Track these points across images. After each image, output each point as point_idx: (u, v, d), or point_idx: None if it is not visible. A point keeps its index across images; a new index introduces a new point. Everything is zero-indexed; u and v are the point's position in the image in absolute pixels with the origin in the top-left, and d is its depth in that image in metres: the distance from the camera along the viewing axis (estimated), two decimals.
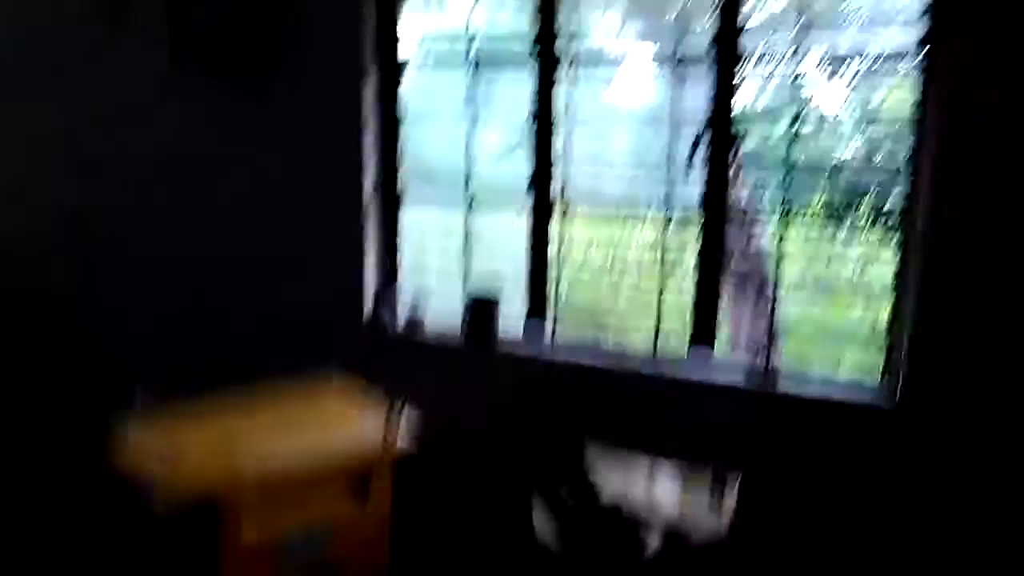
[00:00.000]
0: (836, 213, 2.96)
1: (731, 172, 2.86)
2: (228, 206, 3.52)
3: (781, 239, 2.77)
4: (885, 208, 2.80)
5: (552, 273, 3.12)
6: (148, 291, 3.73)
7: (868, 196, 2.87)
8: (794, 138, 2.70)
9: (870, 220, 2.89)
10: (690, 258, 2.96)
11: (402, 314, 3.34)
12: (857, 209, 2.97)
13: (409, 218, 3.36)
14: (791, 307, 2.97)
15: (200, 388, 2.66)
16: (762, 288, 5.66)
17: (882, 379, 2.70)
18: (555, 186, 3.09)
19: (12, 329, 3.91)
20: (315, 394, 2.71)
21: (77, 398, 3.62)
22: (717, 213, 2.89)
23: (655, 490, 2.19)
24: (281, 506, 2.21)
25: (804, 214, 2.91)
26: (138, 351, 3.74)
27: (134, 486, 2.11)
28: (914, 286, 2.53)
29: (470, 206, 3.20)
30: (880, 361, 2.71)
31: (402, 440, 2.44)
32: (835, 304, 2.90)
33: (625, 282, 3.15)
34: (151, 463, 2.14)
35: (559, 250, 3.07)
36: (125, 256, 3.77)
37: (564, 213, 3.06)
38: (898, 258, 2.67)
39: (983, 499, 2.48)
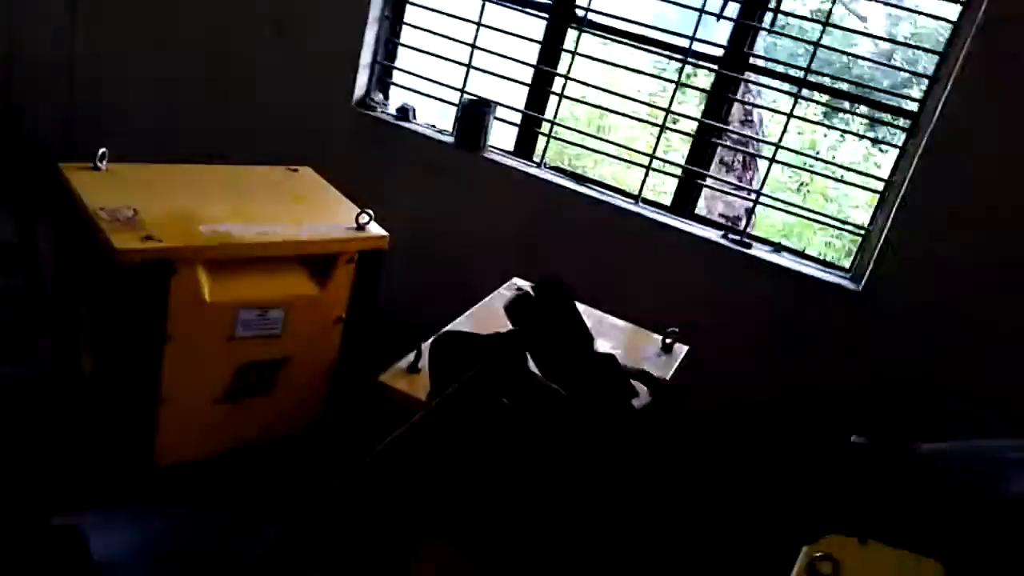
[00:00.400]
0: (847, 100, 2.88)
1: (752, 33, 2.72)
2: None
3: (790, 114, 2.68)
4: (893, 106, 2.74)
5: (555, 90, 3.00)
6: (144, 59, 3.52)
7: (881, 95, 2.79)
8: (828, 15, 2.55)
9: (875, 116, 2.84)
10: (688, 122, 2.87)
11: (395, 102, 3.22)
12: (866, 103, 2.89)
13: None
14: (778, 183, 2.94)
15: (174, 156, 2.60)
16: (752, 159, 5.62)
17: (853, 263, 2.74)
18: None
19: None
20: (289, 179, 2.66)
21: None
22: (734, 66, 2.77)
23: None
24: (238, 277, 2.22)
25: (815, 93, 2.82)
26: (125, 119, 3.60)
27: (94, 235, 2.09)
28: (905, 185, 2.54)
29: None
30: (854, 248, 2.73)
31: (374, 233, 2.44)
32: (821, 187, 2.88)
33: (620, 127, 3.06)
34: (113, 215, 2.12)
35: (569, 66, 2.93)
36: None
37: (580, 31, 2.89)
38: (897, 155, 2.63)
39: (919, 382, 2.61)
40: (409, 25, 3.17)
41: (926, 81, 2.60)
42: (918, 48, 2.85)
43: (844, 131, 3.16)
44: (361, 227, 2.43)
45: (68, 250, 2.41)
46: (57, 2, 3.52)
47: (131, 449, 2.25)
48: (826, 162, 2.89)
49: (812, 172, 3.15)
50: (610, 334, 2.20)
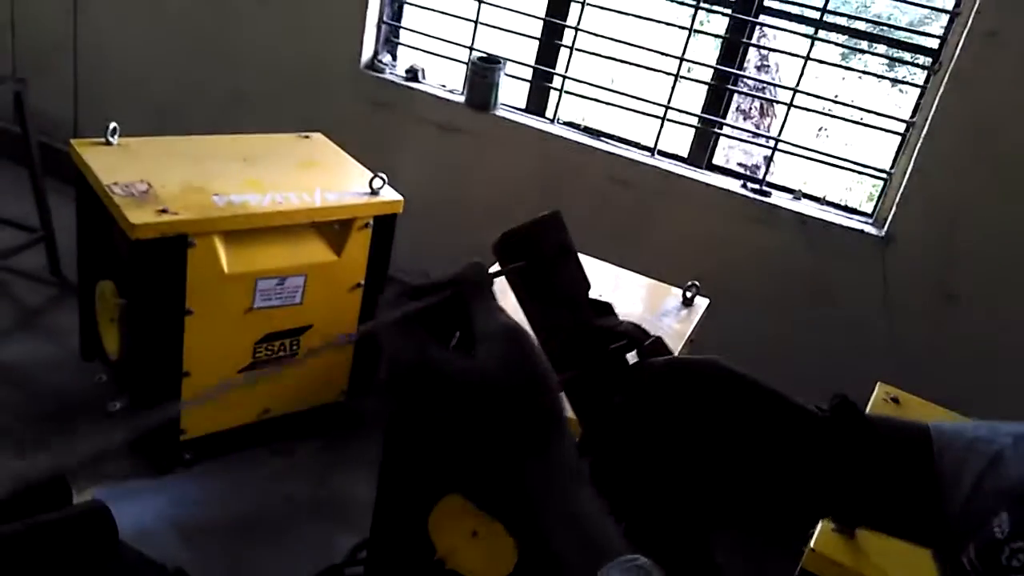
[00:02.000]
0: (866, 40, 2.81)
1: None
2: None
3: (807, 57, 2.62)
4: (913, 43, 2.67)
5: (566, 43, 2.94)
6: (145, 29, 3.49)
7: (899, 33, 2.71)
8: None
9: (895, 56, 2.76)
10: (703, 69, 2.80)
11: (403, 64, 3.18)
12: (885, 42, 2.82)
13: None
14: (796, 128, 2.89)
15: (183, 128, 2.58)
16: (770, 105, 5.51)
17: (875, 208, 2.69)
18: None
19: None
20: (301, 145, 2.65)
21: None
22: (748, 10, 2.70)
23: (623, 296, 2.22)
24: (255, 247, 2.22)
25: (832, 34, 2.75)
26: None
27: (109, 210, 2.10)
28: (926, 125, 2.48)
29: None
30: (875, 192, 2.68)
31: (388, 198, 2.42)
32: (841, 130, 2.82)
33: (634, 78, 2.99)
34: (127, 190, 2.12)
35: (579, 19, 2.87)
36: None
37: None
38: (918, 94, 2.57)
39: (942, 333, 2.58)
40: None
41: (946, 17, 2.52)
42: None
43: (863, 72, 3.07)
44: (375, 192, 2.41)
45: (86, 226, 2.41)
46: None
47: (157, 423, 2.27)
48: (845, 105, 2.82)
49: (831, 116, 3.07)
50: (628, 289, 2.18)
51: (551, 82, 3.02)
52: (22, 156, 2.94)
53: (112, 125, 2.32)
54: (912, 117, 2.59)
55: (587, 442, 0.67)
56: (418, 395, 0.58)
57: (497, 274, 0.65)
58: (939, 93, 2.44)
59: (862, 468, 0.60)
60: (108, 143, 2.31)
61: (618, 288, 2.15)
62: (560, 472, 0.56)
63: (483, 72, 2.96)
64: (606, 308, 0.72)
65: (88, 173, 2.20)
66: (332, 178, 2.45)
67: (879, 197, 2.70)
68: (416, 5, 3.14)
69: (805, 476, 0.60)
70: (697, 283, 2.15)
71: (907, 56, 2.71)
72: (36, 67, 3.58)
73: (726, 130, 2.98)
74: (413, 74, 3.12)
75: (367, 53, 3.13)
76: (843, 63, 3.36)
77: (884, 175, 2.68)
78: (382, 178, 2.43)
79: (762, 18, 2.80)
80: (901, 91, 5.48)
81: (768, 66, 6.00)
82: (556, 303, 0.70)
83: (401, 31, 3.19)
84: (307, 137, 2.70)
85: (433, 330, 0.60)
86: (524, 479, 0.56)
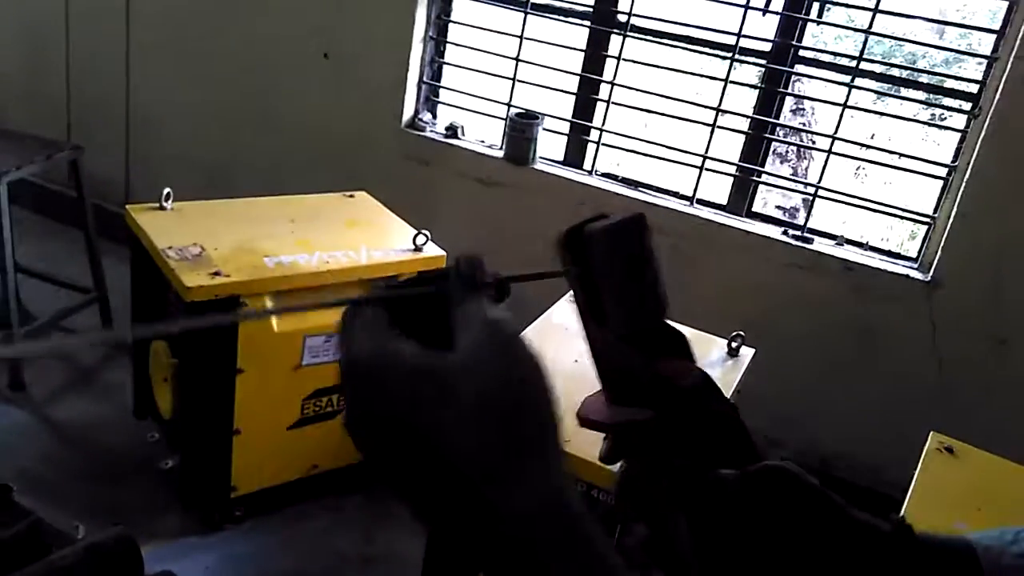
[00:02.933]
0: (902, 86, 2.83)
1: (800, 25, 2.68)
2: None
3: (845, 104, 2.63)
4: (950, 88, 2.67)
5: (601, 97, 2.99)
6: (195, 96, 3.62)
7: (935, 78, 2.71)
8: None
9: (931, 99, 2.77)
10: (740, 117, 2.83)
11: (443, 121, 3.25)
12: (922, 88, 2.83)
13: (459, 14, 3.18)
14: (835, 168, 2.88)
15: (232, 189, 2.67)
16: (806, 148, 5.51)
17: (920, 252, 2.68)
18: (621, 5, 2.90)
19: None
20: (346, 205, 2.71)
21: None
22: (783, 60, 2.73)
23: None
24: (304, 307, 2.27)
25: (869, 78, 2.77)
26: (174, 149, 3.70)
27: (164, 274, 2.16)
28: (969, 169, 2.47)
29: (527, 7, 3.01)
30: (920, 234, 2.66)
31: (431, 253, 2.47)
32: (881, 170, 2.82)
33: (671, 129, 3.02)
34: (181, 253, 2.19)
35: (615, 74, 2.92)
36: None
37: (624, 36, 2.88)
38: (959, 138, 2.57)
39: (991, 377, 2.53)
40: (453, 44, 3.20)
41: (984, 62, 2.53)
42: (972, 28, 2.77)
43: (901, 118, 3.08)
44: (418, 248, 2.46)
45: (140, 287, 2.49)
46: (111, 43, 3.64)
47: (209, 480, 2.31)
48: (885, 151, 2.82)
49: (870, 162, 3.07)
50: None
51: (588, 135, 3.07)
52: (77, 219, 3.04)
53: (166, 191, 2.40)
54: (954, 161, 2.58)
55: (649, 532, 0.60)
56: (369, 397, 0.46)
57: (520, 278, 0.55)
58: (980, 137, 2.44)
59: None
60: (162, 208, 2.39)
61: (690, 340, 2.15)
62: (557, 509, 0.45)
63: (521, 127, 3.02)
64: (678, 343, 0.61)
65: (143, 237, 2.28)
66: (377, 236, 2.50)
67: (924, 241, 2.68)
68: (455, 65, 3.22)
69: None
70: (742, 333, 2.15)
71: (946, 101, 2.71)
72: (90, 133, 3.72)
73: (765, 177, 2.99)
74: (453, 131, 3.18)
75: (408, 112, 3.21)
76: (880, 108, 3.36)
77: (928, 220, 2.67)
78: (425, 234, 2.48)
79: (797, 67, 2.82)
80: (941, 130, 5.46)
81: (804, 109, 6.01)
82: (620, 327, 0.58)
83: (441, 90, 3.27)
84: (351, 196, 2.77)
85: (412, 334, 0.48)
86: (503, 516, 0.45)
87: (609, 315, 0.58)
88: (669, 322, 0.61)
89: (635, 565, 0.59)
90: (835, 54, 2.69)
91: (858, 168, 6.36)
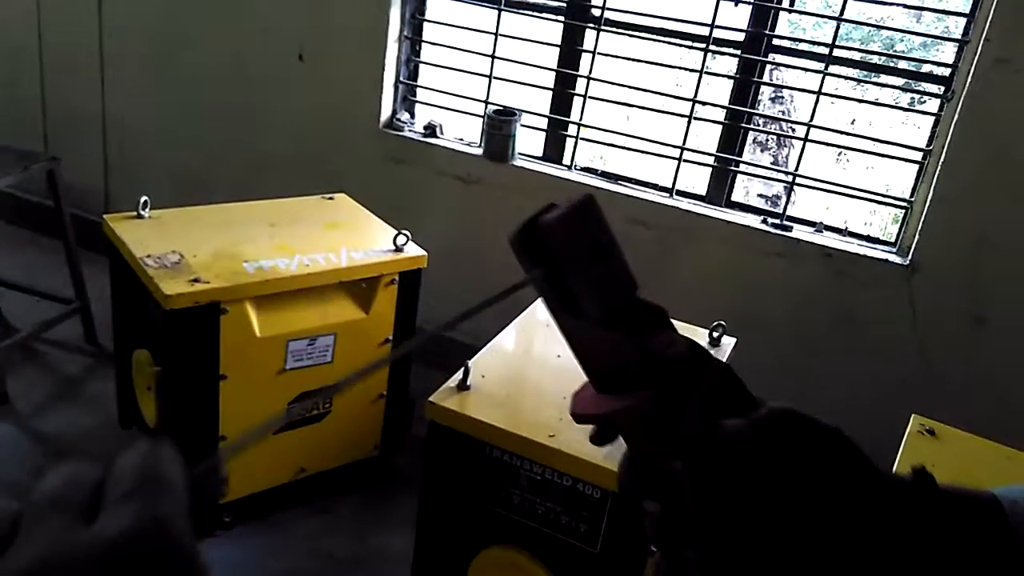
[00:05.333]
0: (876, 72, 2.85)
1: (773, 14, 2.69)
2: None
3: (819, 92, 2.65)
4: (924, 72, 2.69)
5: (579, 91, 2.99)
6: (170, 102, 3.60)
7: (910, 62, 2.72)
8: None
9: (906, 83, 2.79)
10: (716, 109, 2.83)
11: (421, 120, 3.25)
12: (896, 73, 2.84)
13: (434, 13, 3.17)
14: (816, 156, 2.90)
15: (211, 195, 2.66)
16: (784, 137, 5.53)
17: (898, 236, 2.70)
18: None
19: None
20: (325, 207, 2.71)
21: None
22: (757, 50, 2.74)
23: None
24: (285, 309, 2.26)
25: (843, 65, 2.78)
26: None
27: (143, 282, 2.15)
28: (944, 152, 2.49)
29: (501, 3, 3.01)
30: (900, 215, 2.68)
31: (412, 253, 2.47)
32: (862, 156, 2.83)
33: (648, 121, 3.03)
34: (160, 261, 2.18)
35: (591, 68, 2.93)
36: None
37: (598, 30, 2.88)
38: (933, 122, 2.60)
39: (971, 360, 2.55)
40: (429, 43, 3.20)
41: (956, 45, 2.55)
42: (942, 12, 2.79)
43: (876, 103, 3.09)
44: (399, 248, 2.46)
45: (120, 297, 2.48)
46: (85, 52, 3.62)
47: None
48: (862, 137, 2.84)
49: (847, 148, 3.09)
50: None
51: (566, 130, 3.07)
52: (56, 230, 3.03)
53: (143, 199, 2.39)
54: (929, 145, 2.60)
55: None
56: None
57: (486, 304, 0.54)
58: (954, 120, 2.46)
59: (943, 539, 0.58)
60: (140, 216, 2.38)
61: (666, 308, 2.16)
62: None
63: (499, 124, 3.02)
64: (657, 316, 0.59)
65: (121, 247, 2.27)
66: (357, 237, 2.50)
67: (901, 225, 2.70)
68: (431, 64, 3.21)
69: (885, 546, 0.58)
70: (723, 323, 2.16)
71: (923, 85, 2.72)
72: (67, 143, 3.70)
73: (743, 167, 3.00)
74: (431, 130, 3.18)
75: (386, 112, 3.21)
76: (856, 96, 3.38)
77: (905, 204, 2.68)
78: (406, 235, 2.47)
79: (772, 56, 2.83)
80: (920, 115, 5.48)
81: (782, 97, 6.04)
82: (596, 312, 0.56)
83: (418, 89, 3.26)
84: (331, 199, 2.76)
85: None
86: None
87: (582, 303, 0.56)
88: (642, 298, 0.59)
89: (660, 545, 0.58)
90: (810, 42, 2.70)
91: (839, 154, 6.40)
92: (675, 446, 0.55)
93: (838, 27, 2.63)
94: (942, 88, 2.57)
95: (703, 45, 2.76)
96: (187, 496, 0.37)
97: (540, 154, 3.14)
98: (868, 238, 2.77)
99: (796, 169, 2.80)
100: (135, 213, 2.39)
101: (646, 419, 0.56)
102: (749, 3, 2.70)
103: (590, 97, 2.95)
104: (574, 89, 3.03)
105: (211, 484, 0.42)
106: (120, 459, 0.37)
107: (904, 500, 0.56)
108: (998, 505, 0.58)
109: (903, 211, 2.71)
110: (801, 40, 2.72)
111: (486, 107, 3.09)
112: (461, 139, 3.20)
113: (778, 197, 4.89)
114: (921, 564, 0.57)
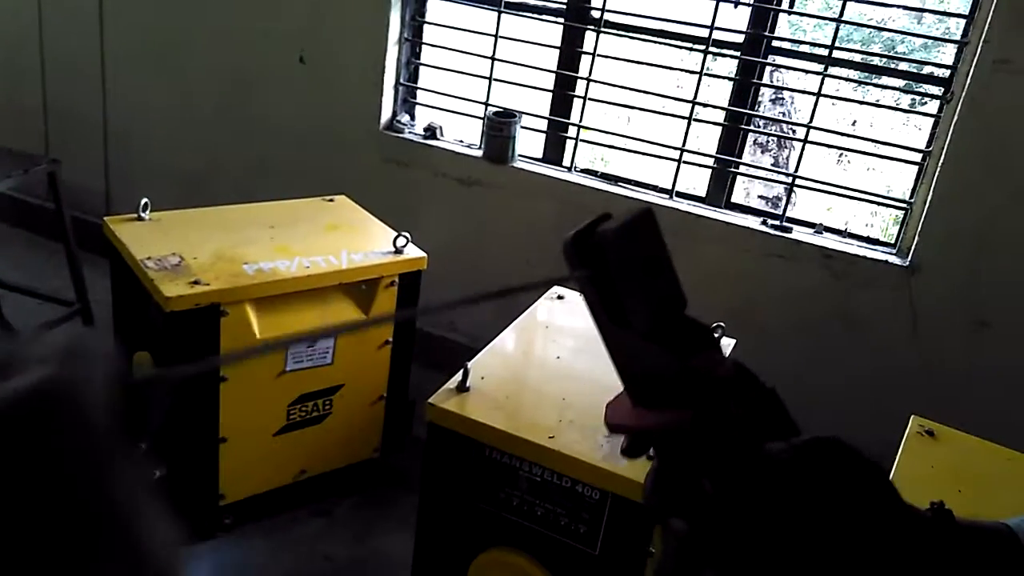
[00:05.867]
0: (876, 73, 2.85)
1: (772, 16, 2.70)
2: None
3: (819, 93, 2.65)
4: (924, 73, 2.69)
5: (579, 92, 3.00)
6: (171, 104, 3.61)
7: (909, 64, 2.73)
8: None
9: (906, 85, 2.79)
10: (716, 110, 2.84)
11: (421, 122, 3.25)
12: (895, 74, 2.84)
13: (434, 15, 3.18)
14: (816, 157, 2.90)
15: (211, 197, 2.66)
16: (785, 139, 5.54)
17: (898, 237, 2.70)
18: (595, 1, 2.91)
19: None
20: (325, 209, 2.71)
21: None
22: (757, 51, 2.74)
23: None
24: (285, 311, 2.27)
25: (843, 67, 2.78)
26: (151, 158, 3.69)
27: (144, 284, 2.16)
28: (943, 153, 2.49)
29: (501, 5, 3.01)
30: (898, 220, 2.68)
31: (412, 255, 2.47)
32: (862, 157, 2.84)
33: (648, 123, 3.03)
34: (160, 263, 2.18)
35: (590, 69, 2.93)
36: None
37: (598, 32, 2.89)
38: (932, 123, 2.60)
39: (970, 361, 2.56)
40: (429, 45, 3.20)
41: (953, 46, 2.55)
42: (941, 13, 2.79)
43: (876, 105, 3.10)
44: (399, 250, 2.46)
45: (121, 299, 2.48)
46: (86, 55, 3.63)
47: (197, 489, 2.31)
48: (861, 139, 2.84)
49: (848, 150, 3.09)
50: None
51: (566, 132, 3.07)
52: (57, 232, 3.03)
53: (143, 201, 2.39)
54: (928, 146, 2.60)
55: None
56: None
57: (526, 287, 0.50)
58: (953, 121, 2.46)
59: (964, 570, 0.60)
60: (140, 218, 2.39)
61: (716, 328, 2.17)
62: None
63: (499, 126, 3.02)
64: (704, 335, 0.59)
65: (122, 249, 2.27)
66: (357, 239, 2.51)
67: (901, 226, 2.70)
68: (431, 66, 3.22)
69: (897, 571, 0.59)
70: (723, 324, 2.16)
71: (923, 86, 2.73)
72: (68, 146, 3.71)
73: (743, 168, 3.00)
74: (431, 132, 3.18)
75: (386, 115, 3.21)
76: (856, 97, 3.38)
77: (904, 205, 2.68)
78: (405, 236, 2.48)
79: (771, 58, 2.83)
80: (920, 116, 5.49)
81: (783, 98, 6.04)
82: (644, 325, 0.55)
83: (418, 91, 3.27)
84: (331, 200, 2.77)
85: None
86: None
87: (632, 315, 0.55)
88: (690, 316, 0.59)
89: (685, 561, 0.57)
90: (810, 44, 2.70)
91: (840, 156, 6.40)
92: (713, 465, 0.56)
93: (838, 28, 2.63)
94: (942, 89, 2.57)
95: (703, 47, 2.77)
96: (108, 376, 0.37)
97: (540, 156, 3.14)
98: (868, 239, 2.77)
99: (796, 170, 2.80)
100: (135, 215, 2.40)
101: (686, 436, 0.55)
102: (749, 4, 2.70)
103: (590, 99, 2.96)
104: (574, 91, 3.03)
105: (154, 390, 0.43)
106: (47, 336, 0.37)
107: (927, 534, 0.57)
108: (1014, 536, 0.60)
109: (903, 212, 2.71)
110: (801, 42, 2.72)
111: (486, 109, 3.10)
112: (461, 141, 3.20)
113: (778, 199, 4.89)
114: None
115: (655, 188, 2.95)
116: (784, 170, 4.71)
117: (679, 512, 0.57)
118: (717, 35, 2.75)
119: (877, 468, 0.57)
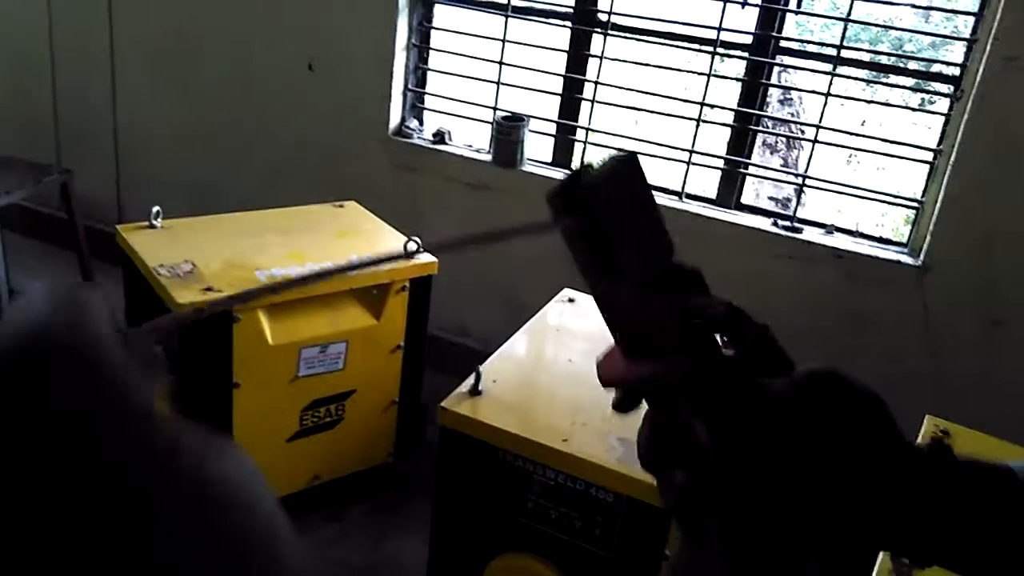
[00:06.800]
0: (885, 72, 2.84)
1: (780, 16, 2.70)
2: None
3: (827, 93, 2.64)
4: (934, 72, 2.68)
5: (587, 95, 3.00)
6: (181, 112, 3.63)
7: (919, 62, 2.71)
8: None
9: (916, 84, 2.78)
10: (725, 112, 2.83)
11: (430, 128, 3.26)
12: (905, 73, 2.84)
13: (441, 20, 3.19)
14: (826, 158, 2.89)
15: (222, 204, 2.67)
16: (794, 139, 5.53)
17: (910, 237, 2.69)
18: (602, 4, 2.91)
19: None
20: (336, 215, 2.72)
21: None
22: (765, 52, 2.74)
23: None
24: (297, 317, 2.28)
25: (852, 66, 2.78)
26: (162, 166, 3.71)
27: (156, 292, 2.17)
28: (954, 152, 2.48)
29: (508, 10, 3.02)
30: (909, 221, 2.67)
31: (422, 260, 2.47)
32: (873, 157, 2.83)
33: (656, 125, 3.03)
34: (172, 271, 2.20)
35: (598, 72, 2.93)
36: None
37: (605, 35, 2.89)
38: (943, 122, 2.59)
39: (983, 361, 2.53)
40: (436, 50, 3.21)
41: (965, 44, 2.54)
42: (950, 11, 2.79)
43: (885, 104, 3.09)
44: (410, 255, 2.46)
45: (134, 307, 2.49)
46: (96, 65, 3.65)
47: None
48: (871, 138, 2.83)
49: (858, 150, 3.09)
50: None
51: (575, 135, 3.08)
52: (70, 241, 3.05)
53: (155, 209, 2.41)
54: (939, 145, 2.59)
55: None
56: None
57: (507, 233, 0.53)
58: (964, 120, 2.45)
59: (955, 505, 0.59)
60: (152, 226, 2.40)
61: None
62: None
63: (508, 130, 3.03)
64: (694, 279, 0.58)
65: (135, 257, 2.28)
66: (367, 244, 2.51)
67: (913, 226, 2.69)
68: (439, 71, 3.23)
69: (895, 506, 0.58)
70: None
71: (932, 85, 2.72)
72: (79, 155, 3.73)
73: (752, 169, 3.00)
74: (440, 137, 3.19)
75: (395, 120, 3.22)
76: (865, 96, 3.37)
77: (916, 204, 2.67)
78: (416, 241, 2.48)
79: (779, 58, 2.83)
80: (930, 115, 5.47)
81: (791, 99, 6.03)
82: (638, 272, 0.54)
83: (426, 97, 3.28)
84: (341, 206, 2.78)
85: None
86: None
87: (624, 263, 0.54)
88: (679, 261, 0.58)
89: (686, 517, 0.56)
90: (818, 44, 2.70)
91: (850, 156, 6.38)
92: (710, 408, 0.55)
93: (846, 28, 2.62)
94: (951, 88, 2.56)
95: (711, 48, 2.77)
96: (104, 322, 0.36)
97: (549, 159, 3.14)
98: (879, 239, 2.76)
99: (806, 171, 2.79)
100: (147, 223, 2.41)
101: (682, 383, 0.55)
102: (756, 5, 2.70)
103: (598, 102, 2.96)
104: (582, 94, 3.04)
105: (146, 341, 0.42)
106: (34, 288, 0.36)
107: (924, 469, 0.57)
108: (1012, 475, 0.59)
109: (914, 212, 2.70)
110: (809, 42, 2.72)
111: (494, 113, 3.10)
112: (470, 146, 3.21)
113: (788, 200, 4.88)
114: (938, 529, 0.58)
115: (664, 190, 2.95)
116: (793, 171, 4.70)
117: (676, 463, 0.56)
118: (725, 36, 2.75)
119: (875, 399, 0.57)
